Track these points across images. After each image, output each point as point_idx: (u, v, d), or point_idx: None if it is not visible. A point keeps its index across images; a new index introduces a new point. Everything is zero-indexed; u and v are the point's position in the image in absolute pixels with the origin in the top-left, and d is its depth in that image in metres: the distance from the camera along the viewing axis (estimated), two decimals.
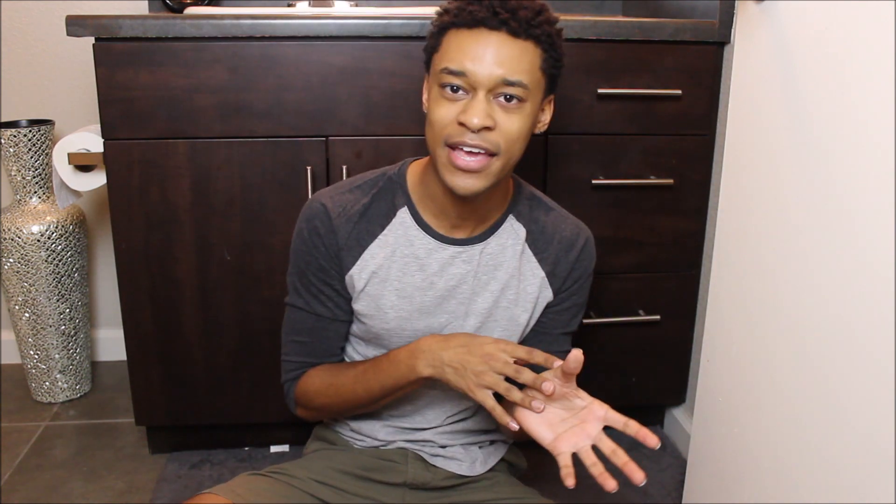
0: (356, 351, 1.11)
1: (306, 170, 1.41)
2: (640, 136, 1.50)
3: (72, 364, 1.87)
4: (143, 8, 1.85)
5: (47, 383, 1.86)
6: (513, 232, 1.05)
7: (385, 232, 1.02)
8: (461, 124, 0.89)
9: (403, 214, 1.02)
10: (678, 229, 1.57)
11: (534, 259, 1.06)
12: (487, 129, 0.89)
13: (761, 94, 1.06)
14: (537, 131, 0.98)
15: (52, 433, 1.74)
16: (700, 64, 1.48)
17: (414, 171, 1.05)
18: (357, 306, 1.05)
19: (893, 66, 0.80)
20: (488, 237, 1.03)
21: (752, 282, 1.10)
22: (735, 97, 1.14)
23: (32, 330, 1.80)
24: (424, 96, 0.99)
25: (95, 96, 1.39)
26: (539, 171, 1.49)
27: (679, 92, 1.48)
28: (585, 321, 1.57)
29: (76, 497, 1.50)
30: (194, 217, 1.44)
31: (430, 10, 1.33)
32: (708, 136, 1.53)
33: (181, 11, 1.67)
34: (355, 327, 1.09)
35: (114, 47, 1.34)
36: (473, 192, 0.92)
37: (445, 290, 1.03)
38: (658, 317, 1.60)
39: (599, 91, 1.45)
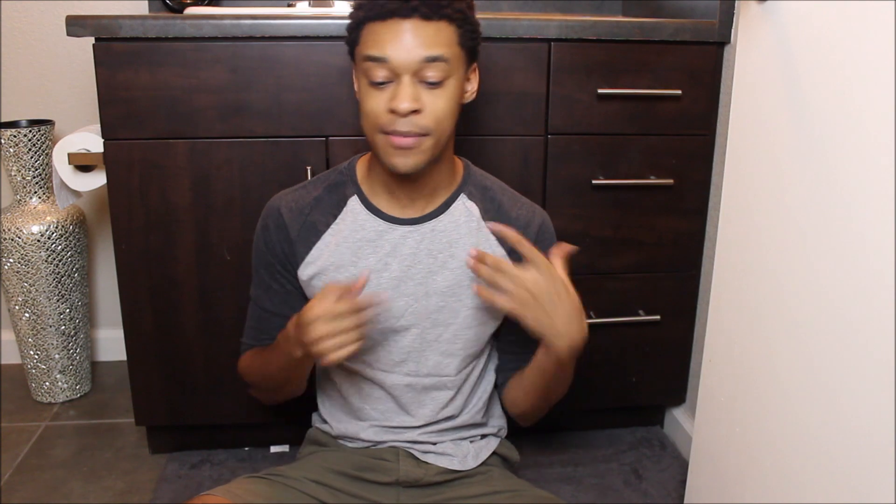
0: None
1: (306, 170, 1.41)
2: (640, 136, 1.50)
3: (72, 364, 1.87)
4: (143, 8, 1.85)
5: (47, 383, 1.86)
6: (465, 210, 1.08)
7: (337, 221, 1.08)
8: (392, 111, 0.94)
9: (353, 203, 1.08)
10: (678, 229, 1.57)
11: (492, 237, 1.08)
12: (415, 111, 0.94)
13: (763, 94, 1.06)
14: (466, 101, 1.03)
15: (52, 433, 1.74)
16: (700, 64, 1.48)
17: (362, 162, 1.11)
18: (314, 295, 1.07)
19: (895, 66, 0.81)
20: (439, 215, 1.07)
21: (753, 281, 1.10)
22: (737, 97, 1.13)
23: (32, 330, 1.80)
24: (356, 86, 1.03)
25: (95, 96, 1.39)
26: (539, 171, 1.49)
27: (679, 92, 1.47)
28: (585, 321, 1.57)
29: (76, 497, 1.50)
30: (194, 217, 1.44)
31: None
32: (708, 136, 1.53)
33: (181, 11, 1.67)
34: None
35: (114, 47, 1.34)
36: (412, 168, 0.98)
37: (401, 270, 1.06)
38: (658, 317, 1.60)
39: (599, 91, 1.45)
